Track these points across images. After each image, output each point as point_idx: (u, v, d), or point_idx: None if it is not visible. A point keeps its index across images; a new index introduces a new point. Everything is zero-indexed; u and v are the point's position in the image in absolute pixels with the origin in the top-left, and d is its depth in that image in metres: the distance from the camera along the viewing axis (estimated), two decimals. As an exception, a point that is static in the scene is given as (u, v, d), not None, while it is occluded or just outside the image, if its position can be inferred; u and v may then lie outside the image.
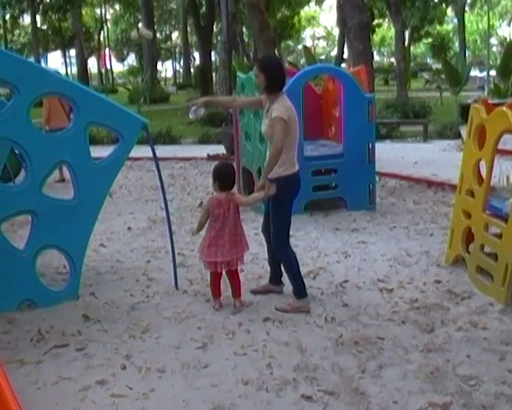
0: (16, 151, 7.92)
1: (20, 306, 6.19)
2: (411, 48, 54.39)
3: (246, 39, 54.14)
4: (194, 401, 4.50)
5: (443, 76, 30.86)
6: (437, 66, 47.62)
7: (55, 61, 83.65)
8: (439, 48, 60.70)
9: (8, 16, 57.71)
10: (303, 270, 7.21)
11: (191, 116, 6.38)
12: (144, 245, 8.53)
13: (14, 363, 5.09)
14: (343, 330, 5.66)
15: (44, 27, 61.90)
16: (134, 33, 46.66)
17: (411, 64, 47.40)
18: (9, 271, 6.09)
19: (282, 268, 6.49)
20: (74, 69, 63.31)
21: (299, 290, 6.24)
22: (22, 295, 6.21)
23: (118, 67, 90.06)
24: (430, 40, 65.32)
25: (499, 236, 6.32)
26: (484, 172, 6.71)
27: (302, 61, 45.59)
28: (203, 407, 4.42)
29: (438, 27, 62.38)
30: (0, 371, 3.81)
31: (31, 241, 6.28)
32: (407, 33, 45.30)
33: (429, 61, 75.60)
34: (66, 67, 67.95)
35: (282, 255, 6.30)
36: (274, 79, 6.03)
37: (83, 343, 5.51)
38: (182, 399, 4.52)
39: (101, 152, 7.02)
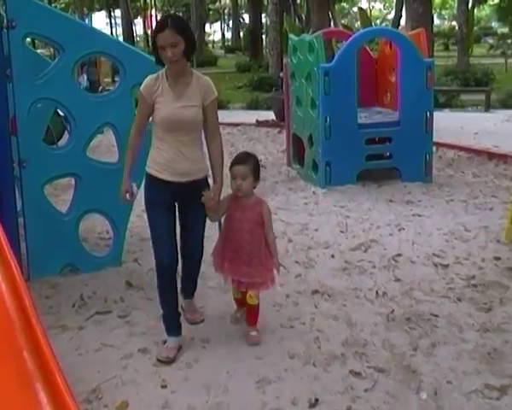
0: (60, 113, 8.00)
1: (63, 271, 6.30)
2: (475, 10, 53.14)
3: (298, 1, 53.66)
4: (239, 373, 4.54)
5: (509, 41, 30.30)
6: (503, 30, 46.59)
7: (99, 21, 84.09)
8: (507, 10, 58.86)
9: (52, -27, 58.33)
10: (354, 242, 7.26)
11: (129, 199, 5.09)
12: (189, 212, 8.54)
13: (56, 328, 5.19)
14: (395, 306, 5.64)
15: (89, -14, 62.33)
16: (182, -7, 46.65)
17: (474, 28, 46.41)
18: (52, 235, 6.19)
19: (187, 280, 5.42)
20: (119, 30, 63.58)
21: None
22: (65, 260, 6.32)
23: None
24: (496, 1, 63.61)
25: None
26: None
27: (357, 24, 45.08)
28: (247, 380, 4.46)
29: (506, -14, 60.82)
30: (43, 336, 3.90)
31: (74, 204, 6.38)
32: (471, -6, 44.34)
33: (494, 24, 73.84)
34: (111, 28, 68.32)
35: (199, 264, 5.30)
36: (193, 44, 4.73)
37: (125, 311, 5.60)
38: (226, 370, 4.55)
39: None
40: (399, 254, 6.88)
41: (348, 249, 7.07)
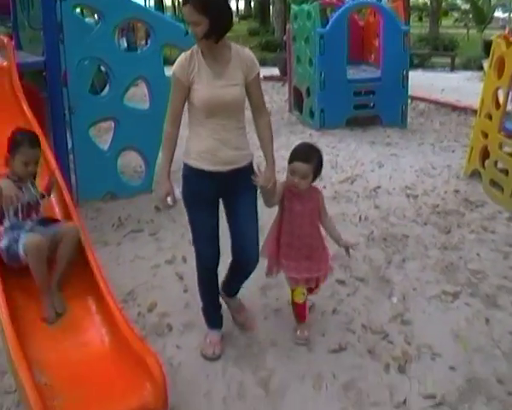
0: (102, 69, 7.89)
1: (105, 197, 6.30)
2: (444, -11, 52.38)
3: (299, -23, 52.79)
4: (246, 282, 4.53)
5: (470, 15, 29.87)
6: (465, 6, 45.78)
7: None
8: (468, -10, 58.38)
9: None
10: (342, 176, 7.20)
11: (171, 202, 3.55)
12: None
13: (99, 243, 5.20)
14: (374, 228, 5.64)
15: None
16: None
17: (443, 4, 45.66)
18: (96, 168, 6.18)
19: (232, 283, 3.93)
20: (152, 2, 62.63)
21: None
22: (106, 188, 6.32)
23: None
24: (461, -18, 62.68)
25: (511, 154, 6.20)
26: (501, 99, 6.57)
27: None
28: (254, 285, 4.40)
29: (468, -29, 59.75)
30: (90, 250, 3.91)
31: (113, 143, 6.36)
32: (441, -24, 43.58)
33: (459, 1, 72.60)
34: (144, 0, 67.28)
35: (255, 265, 3.71)
36: (221, 23, 3.29)
37: (155, 229, 5.61)
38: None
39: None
40: (379, 187, 6.86)
41: (337, 182, 7.03)
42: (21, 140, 3.76)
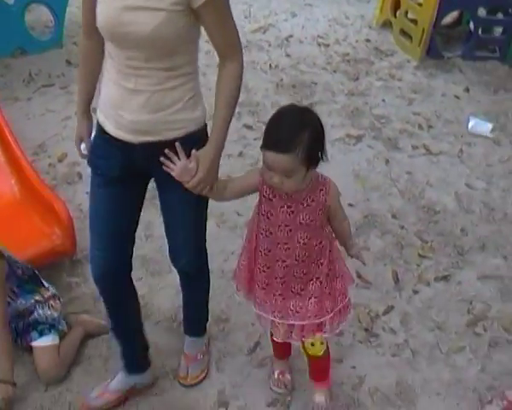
0: None
1: (14, 53, 6.02)
2: None
3: None
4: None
5: None
6: None
7: None
8: None
9: None
10: (255, 26, 7.10)
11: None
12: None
13: (9, 100, 5.07)
14: (284, 76, 5.67)
15: None
16: None
17: None
18: (2, 23, 5.85)
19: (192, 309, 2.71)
20: None
21: (205, 324, 2.80)
22: (15, 44, 6.00)
23: None
24: None
25: (420, 4, 6.25)
26: None
27: None
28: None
29: None
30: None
31: (18, -4, 6.03)
32: None
33: None
34: None
35: (207, 283, 2.61)
36: None
37: (65, 83, 5.46)
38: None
39: None
40: (291, 36, 6.80)
41: (250, 32, 6.87)
42: None
